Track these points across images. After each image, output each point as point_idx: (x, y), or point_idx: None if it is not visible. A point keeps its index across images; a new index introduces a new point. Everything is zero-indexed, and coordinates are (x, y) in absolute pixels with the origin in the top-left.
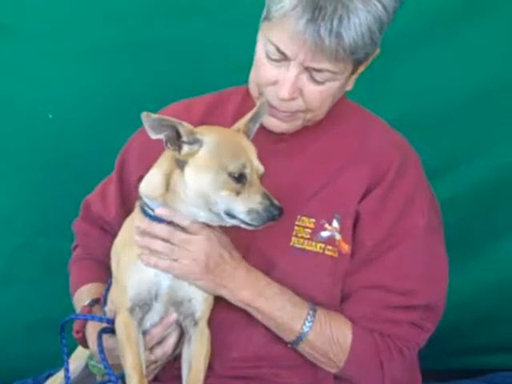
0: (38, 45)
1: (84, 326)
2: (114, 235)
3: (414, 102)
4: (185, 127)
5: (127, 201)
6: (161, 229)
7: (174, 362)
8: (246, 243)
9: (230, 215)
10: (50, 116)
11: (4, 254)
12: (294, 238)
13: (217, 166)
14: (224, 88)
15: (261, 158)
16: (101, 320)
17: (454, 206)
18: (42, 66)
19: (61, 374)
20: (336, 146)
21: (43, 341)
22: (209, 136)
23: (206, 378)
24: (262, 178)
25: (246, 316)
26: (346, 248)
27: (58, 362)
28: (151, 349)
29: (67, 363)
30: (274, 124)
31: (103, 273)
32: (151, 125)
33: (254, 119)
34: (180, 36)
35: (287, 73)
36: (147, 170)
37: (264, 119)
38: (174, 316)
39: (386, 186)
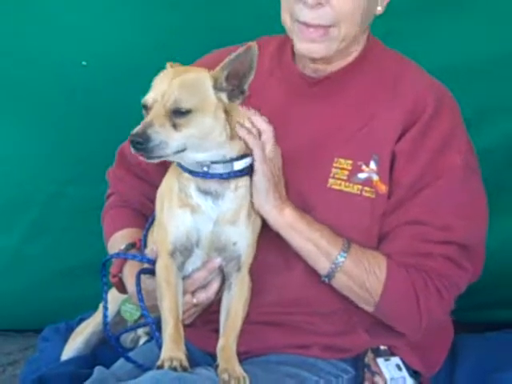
0: None
1: (121, 270)
2: (150, 182)
3: (452, 53)
4: None
5: None
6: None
7: (209, 307)
8: (286, 186)
9: None
10: (84, 63)
11: (37, 203)
12: (331, 180)
13: None
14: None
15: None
16: (141, 260)
17: (488, 158)
18: (75, 14)
19: (93, 319)
20: (371, 89)
21: (75, 287)
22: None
23: None
24: (174, 111)
25: (281, 260)
26: (383, 189)
27: (90, 307)
28: (193, 292)
29: (106, 301)
30: (309, 48)
31: (139, 220)
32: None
33: (244, 63)
34: None
35: None
36: None
37: (300, 46)
38: (217, 261)
39: (422, 127)
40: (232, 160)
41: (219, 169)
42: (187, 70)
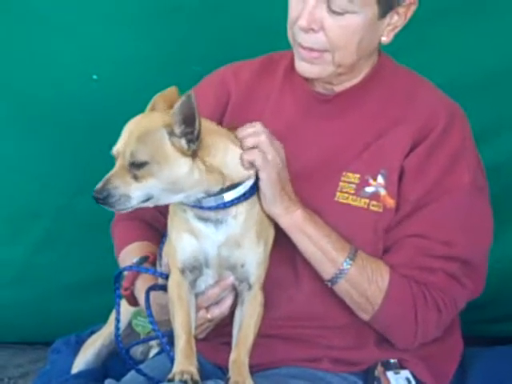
0: (84, 5)
1: (133, 284)
2: None
3: (461, 67)
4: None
5: None
6: None
7: (222, 321)
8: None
9: None
10: (95, 77)
11: (46, 215)
12: (338, 193)
13: None
14: (273, 51)
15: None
16: (155, 274)
17: (498, 174)
18: (87, 27)
19: (104, 332)
20: (382, 106)
21: (85, 300)
22: None
23: None
24: (133, 164)
25: (291, 275)
26: (391, 203)
27: (100, 320)
28: (207, 308)
29: (119, 313)
30: (304, 68)
31: (151, 232)
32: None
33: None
34: None
35: (306, 3)
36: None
37: (297, 65)
38: (230, 279)
39: (432, 143)
40: (222, 191)
41: (211, 201)
42: (147, 119)
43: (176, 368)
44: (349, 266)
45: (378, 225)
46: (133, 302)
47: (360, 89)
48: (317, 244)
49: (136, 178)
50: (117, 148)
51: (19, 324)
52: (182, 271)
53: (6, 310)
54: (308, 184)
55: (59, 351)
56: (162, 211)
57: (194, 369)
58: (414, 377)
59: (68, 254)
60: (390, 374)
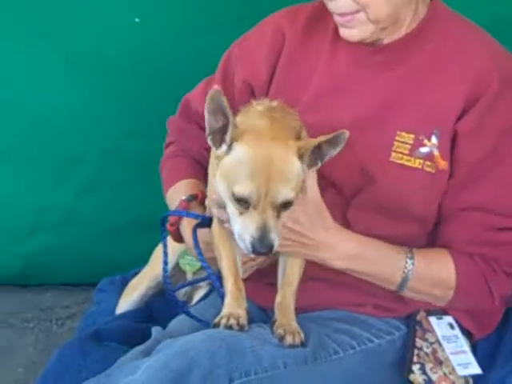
0: None
1: (179, 220)
2: None
3: (506, 4)
4: (233, 130)
5: (229, 101)
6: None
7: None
8: (347, 159)
9: (233, 230)
10: (137, 20)
11: (92, 158)
12: (393, 153)
13: (227, 180)
14: None
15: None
16: (197, 217)
17: None
18: None
19: (148, 274)
20: (434, 61)
21: (130, 242)
22: (241, 146)
23: None
24: (284, 205)
25: (338, 219)
26: (443, 164)
27: (144, 262)
28: None
29: (166, 255)
30: (345, 34)
31: (200, 171)
32: (214, 102)
33: (332, 143)
34: None
35: None
36: (251, 73)
37: (340, 31)
38: None
39: (486, 104)
40: None
41: None
42: (277, 151)
43: (224, 311)
44: (408, 280)
45: (433, 185)
46: (178, 238)
47: (410, 39)
48: (369, 277)
49: (278, 216)
50: (255, 193)
51: (65, 266)
52: None
53: (53, 252)
54: (361, 142)
55: (104, 290)
56: (208, 148)
57: (242, 311)
58: (457, 323)
59: (114, 196)
60: (432, 318)
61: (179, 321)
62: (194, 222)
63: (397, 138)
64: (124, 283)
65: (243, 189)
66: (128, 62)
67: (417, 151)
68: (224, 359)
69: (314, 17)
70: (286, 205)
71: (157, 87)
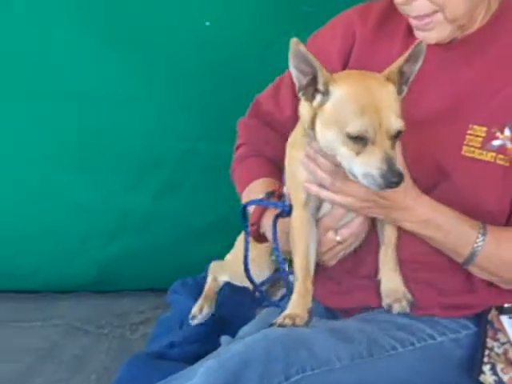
0: None
1: (260, 219)
2: (284, 136)
3: None
4: (324, 75)
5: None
6: (324, 163)
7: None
8: (418, 151)
9: (352, 174)
10: (207, 23)
11: (169, 161)
12: (465, 147)
13: (336, 124)
14: None
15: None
16: (277, 206)
17: None
18: None
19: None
20: (505, 54)
21: (206, 245)
22: (339, 88)
23: None
24: (397, 135)
25: None
26: None
27: None
28: (336, 230)
29: (247, 250)
30: (423, 37)
31: (274, 170)
32: (295, 54)
33: (411, 60)
34: None
35: None
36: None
37: (417, 35)
38: None
39: None
40: None
41: None
42: (378, 84)
43: (285, 311)
44: (482, 243)
45: (506, 179)
46: (259, 238)
47: (483, 34)
48: (446, 232)
49: (393, 146)
50: (371, 124)
51: (142, 271)
52: (306, 204)
53: (131, 257)
54: (434, 136)
55: (177, 292)
56: (283, 152)
57: (303, 312)
58: None
59: (191, 199)
60: (503, 317)
61: (248, 327)
62: (274, 212)
63: (469, 131)
64: (195, 285)
65: (359, 126)
66: (200, 65)
67: (489, 144)
68: (280, 356)
69: (386, 15)
70: (398, 134)
71: (229, 89)
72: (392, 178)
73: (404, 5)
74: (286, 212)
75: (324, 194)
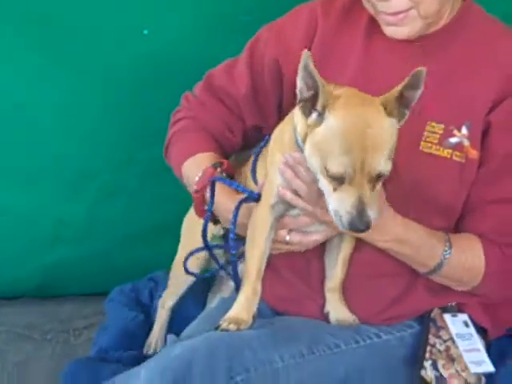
0: None
1: (206, 187)
2: (236, 114)
3: None
4: (324, 97)
5: (256, 80)
6: (304, 175)
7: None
8: None
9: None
10: (145, 32)
11: (105, 168)
12: (423, 143)
13: (320, 154)
14: None
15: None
16: (247, 192)
17: None
18: None
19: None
20: (466, 52)
21: (146, 249)
22: (334, 116)
23: None
24: (380, 176)
25: None
26: (473, 153)
27: (159, 267)
28: (290, 230)
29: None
30: (393, 32)
31: (220, 150)
32: (304, 67)
33: (412, 86)
34: None
35: None
36: (284, 53)
37: (386, 31)
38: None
39: None
40: None
41: None
42: (372, 117)
43: (230, 313)
44: (449, 255)
45: (463, 175)
46: (201, 206)
47: (446, 32)
48: (417, 248)
49: (374, 187)
50: (352, 166)
51: (84, 276)
52: (274, 205)
53: (73, 262)
54: None
55: (113, 300)
56: (233, 130)
57: (248, 317)
58: (473, 322)
59: (129, 205)
60: (446, 316)
61: (191, 328)
62: (228, 189)
63: (427, 127)
64: (134, 291)
65: (337, 166)
66: (138, 74)
67: (446, 141)
68: (223, 357)
69: (348, 9)
70: (382, 176)
71: (166, 98)
72: (359, 226)
73: (382, 1)
74: (254, 199)
75: (297, 202)
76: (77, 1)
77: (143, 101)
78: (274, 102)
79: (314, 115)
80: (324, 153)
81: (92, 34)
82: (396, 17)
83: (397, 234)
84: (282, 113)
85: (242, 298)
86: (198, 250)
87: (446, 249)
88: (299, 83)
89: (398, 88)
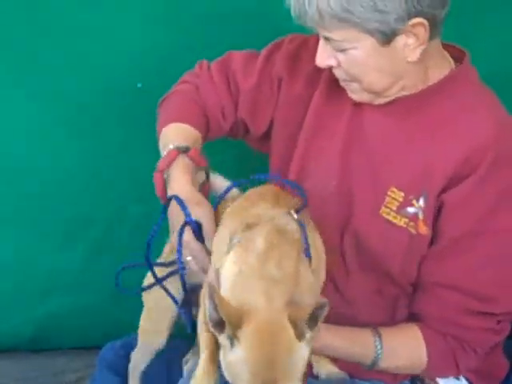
0: (127, 12)
1: (169, 167)
2: (235, 102)
3: (507, 57)
4: (231, 326)
5: (262, 84)
6: None
7: None
8: (342, 211)
9: None
10: (139, 85)
11: (99, 220)
12: (383, 207)
13: (230, 376)
14: None
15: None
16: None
17: None
18: (130, 35)
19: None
20: (433, 121)
21: (137, 303)
22: (242, 345)
23: None
24: None
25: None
26: (424, 229)
27: None
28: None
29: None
30: (349, 94)
31: (206, 124)
32: (210, 297)
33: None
34: None
35: (319, 45)
36: (291, 74)
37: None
38: None
39: (477, 179)
40: None
41: None
42: (280, 348)
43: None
44: (380, 351)
45: (413, 247)
46: (162, 189)
47: (419, 99)
48: (345, 348)
49: None
50: None
51: (76, 329)
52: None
53: (63, 316)
54: (356, 190)
55: (104, 359)
56: (225, 114)
57: None
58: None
59: (123, 258)
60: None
61: None
62: (190, 171)
63: (389, 192)
64: (124, 348)
65: None
66: (129, 127)
67: (404, 210)
68: None
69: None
70: None
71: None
72: None
73: (333, 70)
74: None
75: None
76: (68, 52)
77: (132, 154)
78: (269, 111)
79: (224, 337)
80: (234, 375)
81: (85, 86)
82: (344, 83)
83: (321, 341)
84: (271, 124)
85: (199, 369)
86: (135, 265)
87: (378, 345)
88: (208, 306)
89: (309, 310)
